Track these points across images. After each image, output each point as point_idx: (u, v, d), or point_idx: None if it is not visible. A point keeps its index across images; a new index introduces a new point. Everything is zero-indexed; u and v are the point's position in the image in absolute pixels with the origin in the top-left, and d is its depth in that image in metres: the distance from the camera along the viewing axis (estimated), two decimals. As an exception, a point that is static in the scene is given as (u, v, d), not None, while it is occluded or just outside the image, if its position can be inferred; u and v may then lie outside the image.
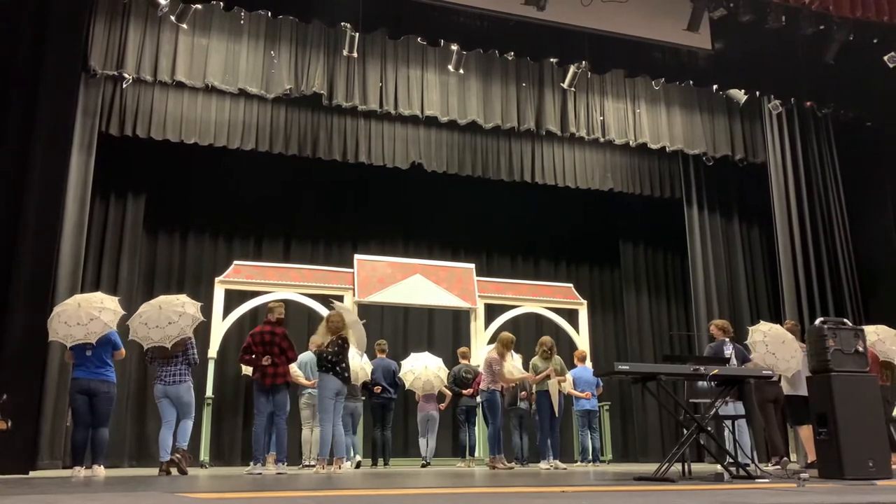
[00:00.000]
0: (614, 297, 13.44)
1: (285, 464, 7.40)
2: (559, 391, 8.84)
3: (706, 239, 12.11)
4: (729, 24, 9.85)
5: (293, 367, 8.08)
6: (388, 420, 9.72)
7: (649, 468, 6.57)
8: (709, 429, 6.01)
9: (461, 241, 12.54)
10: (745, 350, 7.92)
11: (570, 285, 12.16)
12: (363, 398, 9.37)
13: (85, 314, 6.67)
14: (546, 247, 13.24)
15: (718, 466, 6.58)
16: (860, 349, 6.08)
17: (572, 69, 10.35)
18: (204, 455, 9.38)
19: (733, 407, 7.65)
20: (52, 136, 8.01)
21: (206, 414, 9.44)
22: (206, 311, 8.29)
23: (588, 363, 10.61)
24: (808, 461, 7.63)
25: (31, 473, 7.23)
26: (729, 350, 7.96)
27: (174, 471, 7.07)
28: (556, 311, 11.71)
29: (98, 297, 7.10)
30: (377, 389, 9.51)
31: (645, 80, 11.08)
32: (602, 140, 11.31)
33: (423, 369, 10.03)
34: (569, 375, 9.60)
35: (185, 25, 9.29)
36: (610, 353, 12.81)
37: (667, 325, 13.20)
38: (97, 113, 9.40)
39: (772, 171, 11.50)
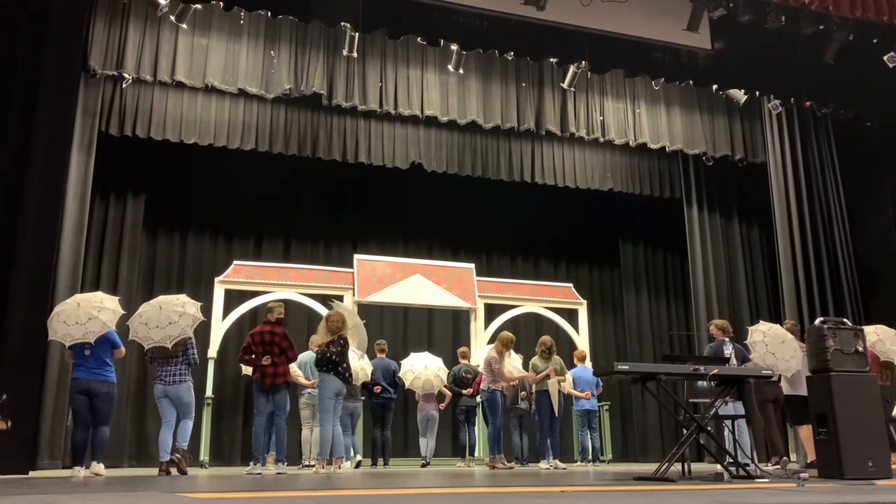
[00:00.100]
0: (614, 297, 13.44)
1: (285, 464, 7.40)
2: (559, 391, 8.84)
3: (706, 239, 12.11)
4: (729, 24, 9.85)
5: (293, 367, 8.08)
6: (387, 420, 9.72)
7: (649, 468, 6.57)
8: (708, 429, 6.01)
9: (461, 241, 12.54)
10: (744, 350, 7.92)
11: (570, 285, 12.17)
12: (363, 398, 9.38)
13: (84, 314, 6.66)
14: (546, 247, 13.24)
15: (718, 466, 6.58)
16: (860, 349, 6.08)
17: (572, 69, 10.35)
18: (204, 455, 9.38)
19: (733, 407, 7.65)
20: (52, 136, 8.01)
21: (206, 414, 9.44)
22: (206, 311, 8.28)
23: (588, 363, 10.61)
24: (808, 461, 7.63)
25: (31, 473, 7.22)
26: (729, 350, 7.96)
27: (174, 471, 7.07)
28: (556, 311, 11.71)
29: (98, 296, 7.09)
30: (377, 389, 9.52)
31: (645, 80, 11.08)
32: (602, 140, 11.31)
33: (423, 369, 10.04)
34: (568, 375, 9.61)
35: (184, 25, 9.29)
36: (610, 352, 12.81)
37: (667, 325, 13.20)
38: (97, 113, 9.39)
39: (771, 171, 11.50)
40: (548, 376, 8.72)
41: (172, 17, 9.17)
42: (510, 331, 9.39)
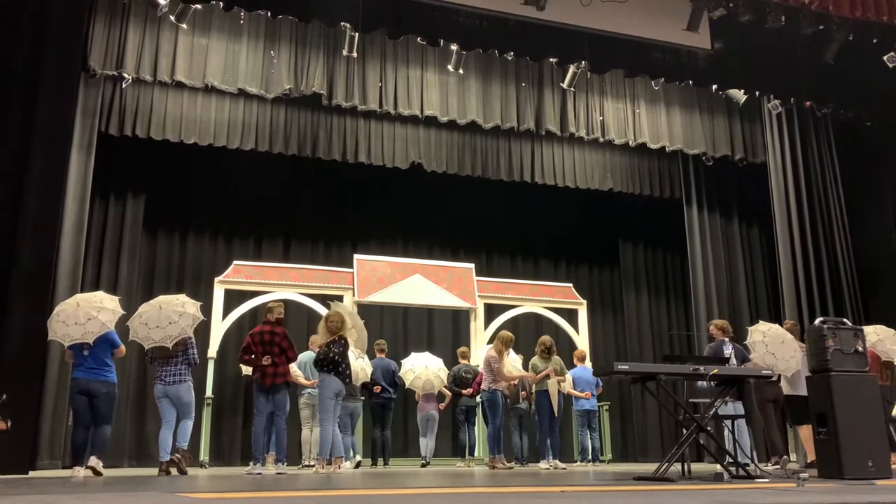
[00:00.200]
0: (614, 297, 13.44)
1: (285, 464, 7.40)
2: (559, 391, 8.85)
3: (706, 239, 12.11)
4: (728, 24, 9.85)
5: (293, 367, 8.08)
6: (387, 420, 9.73)
7: (649, 468, 6.58)
8: (708, 429, 6.01)
9: (461, 241, 12.54)
10: (744, 350, 7.92)
11: (570, 285, 12.17)
12: (363, 398, 9.38)
13: (83, 314, 6.65)
14: (546, 247, 13.24)
15: (718, 466, 6.58)
16: (860, 349, 6.08)
17: (572, 69, 10.35)
18: (204, 455, 9.38)
19: (733, 407, 7.65)
20: (52, 136, 8.01)
21: (206, 414, 9.44)
22: (206, 310, 8.28)
23: (588, 363, 10.61)
24: (808, 461, 7.63)
25: (31, 473, 7.23)
26: (728, 350, 7.96)
27: (174, 471, 7.07)
28: (556, 310, 11.71)
29: (98, 296, 7.08)
30: (377, 389, 9.52)
31: (644, 80, 11.08)
32: (602, 140, 11.31)
33: (423, 369, 10.04)
34: (568, 375, 9.61)
35: (184, 25, 9.29)
36: (609, 352, 12.81)
37: (666, 325, 13.20)
38: (97, 113, 9.40)
39: (771, 171, 11.50)
40: (547, 376, 8.72)
41: (172, 17, 9.17)
42: (510, 331, 9.38)
